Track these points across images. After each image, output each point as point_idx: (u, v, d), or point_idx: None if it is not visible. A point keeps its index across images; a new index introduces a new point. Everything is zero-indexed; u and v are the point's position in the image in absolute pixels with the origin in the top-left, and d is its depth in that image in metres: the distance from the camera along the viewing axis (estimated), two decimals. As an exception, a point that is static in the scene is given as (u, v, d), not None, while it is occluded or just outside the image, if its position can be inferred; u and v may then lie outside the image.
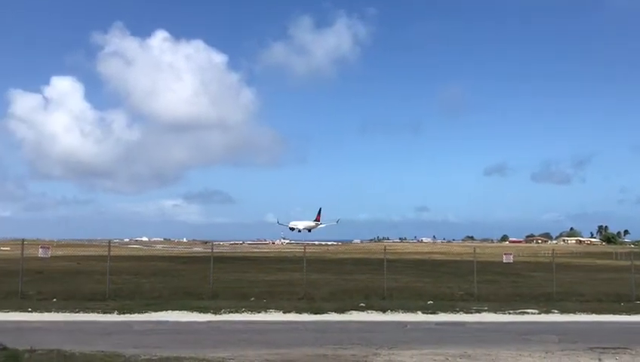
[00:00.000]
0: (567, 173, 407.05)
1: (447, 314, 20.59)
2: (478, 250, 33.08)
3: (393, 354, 12.67)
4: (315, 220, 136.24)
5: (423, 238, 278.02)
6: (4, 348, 9.67)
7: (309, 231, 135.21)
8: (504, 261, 30.63)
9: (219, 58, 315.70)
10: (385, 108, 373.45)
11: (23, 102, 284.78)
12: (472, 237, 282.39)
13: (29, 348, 10.11)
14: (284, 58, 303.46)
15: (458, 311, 21.09)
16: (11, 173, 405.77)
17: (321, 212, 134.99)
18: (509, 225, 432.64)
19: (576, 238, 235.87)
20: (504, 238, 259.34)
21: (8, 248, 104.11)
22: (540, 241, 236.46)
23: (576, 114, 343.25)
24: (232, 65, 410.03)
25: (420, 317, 19.95)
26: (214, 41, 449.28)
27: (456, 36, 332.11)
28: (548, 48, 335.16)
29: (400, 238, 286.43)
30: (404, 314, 20.47)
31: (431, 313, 20.63)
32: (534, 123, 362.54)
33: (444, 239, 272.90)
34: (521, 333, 16.58)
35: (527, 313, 21.17)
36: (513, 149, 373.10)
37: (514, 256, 33.55)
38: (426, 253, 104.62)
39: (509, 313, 21.06)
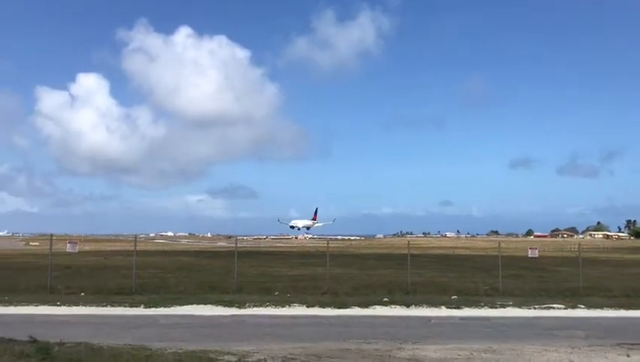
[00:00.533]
0: (595, 166, 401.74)
1: (471, 309, 20.46)
2: (502, 245, 32.77)
3: (417, 348, 12.64)
4: (312, 219, 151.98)
5: (447, 233, 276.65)
6: (35, 341, 9.89)
7: (308, 228, 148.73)
8: (529, 255, 30.30)
9: (242, 53, 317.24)
10: (408, 101, 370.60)
11: (50, 100, 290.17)
12: (496, 232, 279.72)
13: (58, 341, 10.30)
14: (308, 52, 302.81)
15: (483, 306, 20.95)
16: (39, 170, 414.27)
17: (317, 212, 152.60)
18: (534, 219, 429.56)
19: (603, 233, 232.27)
20: (529, 233, 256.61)
21: (37, 243, 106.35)
22: (565, 236, 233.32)
23: (605, 105, 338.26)
24: (256, 60, 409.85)
25: (444, 311, 19.86)
26: (237, 37, 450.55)
27: (480, 27, 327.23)
28: (574, 38, 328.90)
29: (423, 233, 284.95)
30: (428, 308, 20.39)
31: (455, 308, 20.53)
32: (561, 115, 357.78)
33: (468, 234, 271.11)
34: (547, 328, 16.42)
35: (553, 308, 20.93)
36: (539, 142, 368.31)
37: (539, 251, 33.20)
38: (450, 247, 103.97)
39: (535, 308, 20.85)
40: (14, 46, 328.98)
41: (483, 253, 70.53)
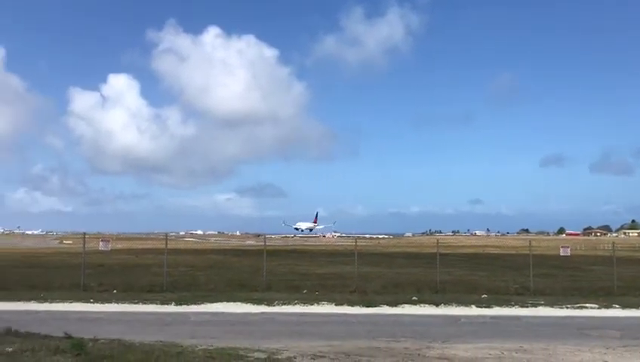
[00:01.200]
0: (628, 163, 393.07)
1: (502, 307, 20.23)
2: (533, 243, 32.29)
3: (447, 347, 12.55)
4: (313, 222, 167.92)
5: (477, 231, 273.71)
6: (70, 337, 10.09)
7: (310, 230, 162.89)
8: (561, 254, 29.81)
9: (270, 52, 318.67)
10: (437, 98, 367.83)
11: (82, 100, 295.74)
12: (527, 230, 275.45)
13: (92, 337, 10.50)
14: (336, 50, 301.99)
15: (513, 305, 20.69)
16: (72, 170, 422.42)
17: (318, 216, 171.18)
18: (566, 217, 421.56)
19: (638, 231, 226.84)
20: (561, 231, 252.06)
21: (71, 241, 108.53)
22: (598, 234, 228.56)
23: (638, 101, 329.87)
24: (283, 59, 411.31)
25: (474, 310, 19.67)
26: (265, 36, 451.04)
27: (510, 23, 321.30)
28: (607, 34, 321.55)
29: (453, 231, 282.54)
30: (458, 307, 20.22)
31: (485, 307, 20.31)
32: (593, 111, 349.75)
33: (498, 232, 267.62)
34: (580, 328, 16.14)
35: (586, 307, 20.56)
36: (571, 139, 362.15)
37: (571, 250, 32.62)
38: (480, 246, 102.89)
39: (567, 307, 20.50)
40: (48, 48, 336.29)
41: (513, 252, 69.60)
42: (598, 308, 20.44)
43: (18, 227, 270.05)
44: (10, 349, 8.97)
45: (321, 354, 10.98)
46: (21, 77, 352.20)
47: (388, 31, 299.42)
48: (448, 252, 61.97)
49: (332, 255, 59.43)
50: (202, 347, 10.83)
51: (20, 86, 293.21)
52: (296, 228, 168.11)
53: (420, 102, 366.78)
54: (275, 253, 53.01)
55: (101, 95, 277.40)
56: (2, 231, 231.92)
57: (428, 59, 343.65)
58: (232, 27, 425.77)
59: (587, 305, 21.02)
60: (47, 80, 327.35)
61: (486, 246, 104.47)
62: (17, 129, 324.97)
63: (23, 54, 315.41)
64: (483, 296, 22.59)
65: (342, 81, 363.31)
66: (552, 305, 20.95)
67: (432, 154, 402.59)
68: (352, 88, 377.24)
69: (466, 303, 20.87)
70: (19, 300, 20.47)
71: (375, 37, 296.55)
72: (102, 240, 28.50)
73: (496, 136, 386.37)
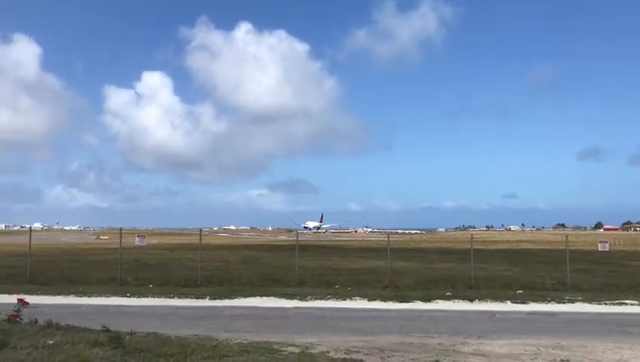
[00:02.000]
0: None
1: (538, 303, 19.91)
2: (570, 238, 31.67)
3: (482, 343, 12.40)
4: (319, 222, 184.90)
5: (511, 226, 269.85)
6: (108, 330, 10.28)
7: (318, 229, 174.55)
8: (599, 249, 29.22)
9: (301, 47, 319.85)
10: (472, 91, 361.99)
11: (117, 98, 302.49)
12: (563, 225, 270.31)
13: (129, 330, 10.68)
14: (368, 44, 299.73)
15: (550, 301, 20.35)
16: (108, 166, 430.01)
17: (323, 217, 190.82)
18: (604, 212, 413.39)
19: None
20: (598, 226, 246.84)
21: (107, 237, 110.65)
22: (638, 229, 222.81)
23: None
24: (315, 53, 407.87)
25: (509, 306, 19.41)
26: (296, 31, 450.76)
27: (547, 13, 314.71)
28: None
29: (487, 226, 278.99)
30: (493, 303, 19.98)
31: (521, 302, 20.02)
32: (632, 103, 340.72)
33: (533, 227, 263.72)
34: (619, 325, 15.77)
35: (626, 304, 20.08)
36: (609, 132, 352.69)
37: (610, 244, 31.89)
38: (515, 241, 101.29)
39: (605, 303, 20.05)
40: (83, 48, 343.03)
41: (549, 247, 68.35)
42: (639, 305, 19.94)
43: (57, 223, 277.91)
44: (51, 341, 9.20)
45: (354, 349, 10.96)
46: (58, 76, 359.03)
47: (421, 23, 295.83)
48: (482, 247, 61.21)
49: (364, 250, 59.33)
50: (237, 341, 10.93)
51: (57, 85, 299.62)
52: (305, 227, 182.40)
53: (453, 94, 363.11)
54: (306, 248, 53.19)
55: (135, 93, 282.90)
56: (42, 226, 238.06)
57: (462, 51, 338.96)
58: (263, 23, 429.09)
59: (627, 301, 20.52)
60: (83, 79, 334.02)
61: (521, 241, 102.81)
62: (55, 127, 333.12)
63: (59, 54, 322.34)
64: (518, 292, 22.26)
65: (374, 74, 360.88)
66: (589, 301, 20.53)
67: (465, 148, 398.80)
68: (385, 82, 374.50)
69: (501, 299, 20.60)
70: (59, 294, 21.01)
71: (408, 29, 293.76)
72: (138, 236, 29.02)
73: (532, 129, 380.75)
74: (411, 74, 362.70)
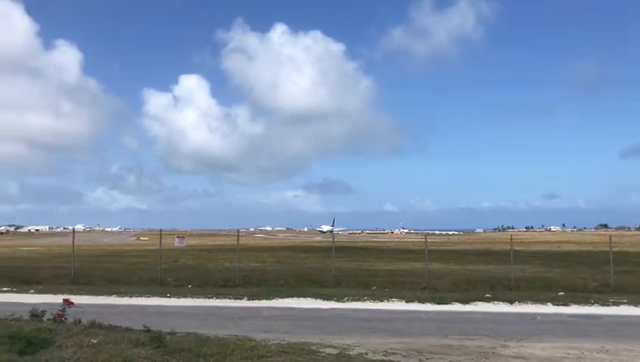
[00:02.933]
0: None
1: (580, 306, 19.44)
2: (614, 239, 30.83)
3: (523, 346, 12.19)
4: (332, 226, 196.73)
5: (551, 227, 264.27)
6: (149, 330, 10.46)
7: (331, 232, 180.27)
8: (645, 250, 28.31)
9: (337, 47, 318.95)
10: (512, 89, 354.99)
11: (155, 101, 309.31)
12: (605, 226, 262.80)
13: (169, 330, 10.84)
14: (404, 42, 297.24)
15: (593, 303, 19.84)
16: (147, 169, 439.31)
17: (335, 222, 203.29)
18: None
19: None
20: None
21: (147, 238, 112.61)
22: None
23: None
24: (350, 53, 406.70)
25: (550, 308, 19.00)
26: (332, 31, 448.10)
27: (590, 6, 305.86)
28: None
29: (526, 227, 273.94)
30: (533, 305, 19.60)
31: (562, 305, 19.58)
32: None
33: (574, 228, 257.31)
34: (667, 329, 15.27)
35: (674, 307, 19.43)
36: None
37: (656, 246, 30.93)
38: (555, 242, 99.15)
39: (652, 306, 19.45)
40: (122, 52, 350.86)
41: (592, 248, 66.67)
42: (687, 308, 19.28)
43: (98, 224, 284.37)
44: (94, 341, 9.41)
45: (392, 351, 10.91)
46: (98, 80, 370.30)
47: (459, 20, 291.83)
48: (522, 248, 60.11)
49: (400, 251, 58.93)
50: (275, 341, 10.99)
51: (97, 89, 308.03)
52: (320, 230, 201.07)
53: (493, 92, 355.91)
54: (342, 249, 53.11)
55: (173, 96, 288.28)
56: (84, 228, 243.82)
57: (501, 47, 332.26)
58: (299, 24, 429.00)
59: (674, 304, 19.86)
60: (122, 82, 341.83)
61: (561, 242, 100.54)
62: (96, 130, 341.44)
63: (99, 59, 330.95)
64: (560, 294, 21.78)
65: (411, 73, 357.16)
66: (635, 303, 19.93)
67: (504, 147, 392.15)
68: (422, 81, 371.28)
69: (542, 301, 20.19)
70: (101, 294, 21.47)
71: (445, 27, 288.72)
72: (177, 237, 29.50)
73: (573, 127, 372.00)
74: (449, 72, 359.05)
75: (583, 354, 11.48)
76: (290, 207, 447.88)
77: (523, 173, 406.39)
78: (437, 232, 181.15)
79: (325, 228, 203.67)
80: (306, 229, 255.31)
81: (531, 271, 31.60)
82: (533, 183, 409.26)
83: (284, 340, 11.32)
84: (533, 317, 17.32)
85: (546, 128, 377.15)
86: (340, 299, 20.45)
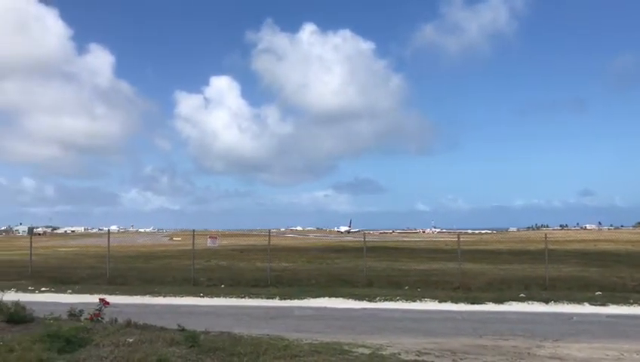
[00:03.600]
0: None
1: (618, 306, 19.00)
2: (653, 237, 30.05)
3: (559, 346, 11.97)
4: (349, 226, 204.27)
5: (587, 225, 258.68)
6: (183, 329, 10.58)
7: (348, 232, 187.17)
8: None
9: (366, 46, 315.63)
10: (546, 85, 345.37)
11: (187, 103, 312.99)
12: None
13: (203, 329, 10.96)
14: (435, 39, 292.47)
15: (632, 303, 19.36)
16: (179, 170, 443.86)
17: (351, 222, 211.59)
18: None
19: None
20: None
21: (180, 238, 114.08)
22: None
23: None
24: (380, 51, 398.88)
25: (587, 308, 18.63)
26: (361, 29, 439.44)
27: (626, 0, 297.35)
28: None
29: (561, 226, 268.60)
30: (569, 305, 19.24)
31: (600, 305, 19.16)
32: None
33: (611, 226, 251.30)
34: None
35: None
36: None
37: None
38: (592, 240, 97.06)
39: (695, 306, 18.88)
40: (153, 54, 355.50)
41: (630, 247, 65.10)
42: None
43: (132, 225, 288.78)
44: (130, 340, 9.57)
45: (425, 351, 10.83)
46: (130, 83, 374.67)
47: (491, 15, 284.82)
48: (556, 247, 59.01)
49: (432, 251, 58.41)
50: (307, 341, 11.01)
51: (129, 91, 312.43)
52: (338, 231, 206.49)
53: (526, 88, 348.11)
54: (373, 249, 52.90)
55: (204, 97, 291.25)
56: (118, 229, 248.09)
57: (535, 42, 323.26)
58: (328, 23, 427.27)
59: None
60: (154, 85, 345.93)
61: (598, 240, 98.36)
62: (129, 132, 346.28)
63: (131, 61, 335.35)
64: (597, 293, 21.32)
65: (442, 70, 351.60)
66: (677, 303, 19.40)
67: (538, 144, 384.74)
68: (453, 78, 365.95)
69: (579, 301, 19.80)
70: (136, 294, 21.83)
71: (477, 22, 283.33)
72: (210, 237, 29.76)
73: (609, 122, 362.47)
74: (481, 69, 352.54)
75: (622, 355, 11.22)
76: (320, 207, 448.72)
77: (557, 170, 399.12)
78: (469, 231, 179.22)
79: (343, 228, 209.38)
80: (336, 229, 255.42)
81: (567, 270, 30.99)
82: (568, 180, 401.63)
83: (316, 340, 11.33)
84: (569, 317, 17.00)
85: (580, 124, 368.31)
86: (371, 299, 20.39)
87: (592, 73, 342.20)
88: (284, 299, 20.72)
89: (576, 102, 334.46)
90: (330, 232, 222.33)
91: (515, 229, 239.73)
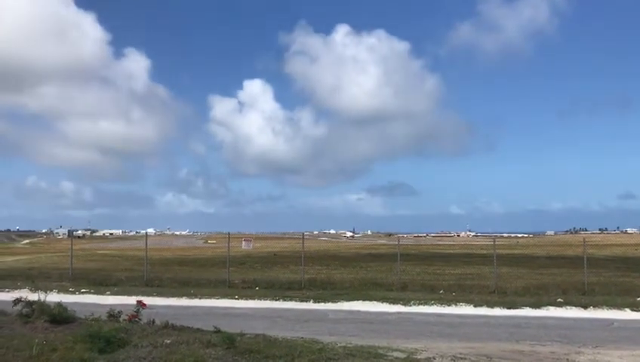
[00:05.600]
0: None
1: (661, 312, 18.47)
2: (697, 242, 29.12)
3: (599, 353, 11.70)
4: (352, 232, 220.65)
5: (628, 229, 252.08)
6: (219, 331, 10.71)
7: (352, 237, 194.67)
8: None
9: (401, 46, 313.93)
10: (587, 85, 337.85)
11: (221, 107, 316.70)
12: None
13: (239, 332, 11.07)
14: (472, 38, 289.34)
15: (675, 310, 18.81)
16: (214, 173, 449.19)
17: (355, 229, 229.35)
18: None
19: None
20: None
21: (214, 241, 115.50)
22: None
23: None
24: (415, 51, 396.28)
25: (628, 314, 18.16)
26: (396, 29, 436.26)
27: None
28: None
29: (600, 229, 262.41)
30: (609, 310, 18.79)
31: (642, 311, 18.66)
32: None
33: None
34: None
35: None
36: None
37: None
38: (633, 245, 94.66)
39: None
40: (188, 59, 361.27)
41: (673, 251, 63.24)
42: None
43: (168, 228, 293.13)
44: (168, 341, 9.74)
45: (461, 356, 10.72)
46: (166, 87, 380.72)
47: (530, 12, 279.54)
48: (596, 251, 57.71)
49: (467, 255, 57.79)
50: (342, 344, 11.02)
51: (165, 95, 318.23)
52: (345, 235, 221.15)
53: (567, 88, 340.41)
54: (408, 253, 52.59)
55: (238, 101, 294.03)
56: (154, 232, 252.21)
57: (577, 40, 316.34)
58: (362, 23, 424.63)
59: None
60: (189, 88, 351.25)
61: (639, 245, 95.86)
62: (165, 136, 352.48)
63: (166, 65, 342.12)
64: (638, 299, 20.77)
65: (478, 70, 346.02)
66: None
67: (577, 146, 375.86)
68: (490, 77, 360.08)
69: (619, 306, 19.32)
70: (173, 296, 22.16)
71: (516, 20, 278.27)
72: (244, 240, 30.02)
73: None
74: (519, 68, 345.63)
75: (665, 362, 10.92)
76: (353, 210, 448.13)
77: (596, 173, 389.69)
78: (505, 235, 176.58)
79: (349, 233, 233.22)
80: (369, 232, 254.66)
81: (607, 275, 30.31)
82: (608, 183, 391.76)
83: (350, 343, 11.32)
84: (609, 323, 16.61)
85: (622, 124, 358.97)
86: (406, 303, 20.28)
87: (634, 71, 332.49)
88: (318, 302, 20.77)
89: (618, 102, 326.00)
90: (364, 235, 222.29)
91: (552, 233, 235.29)
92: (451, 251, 73.05)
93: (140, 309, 11.88)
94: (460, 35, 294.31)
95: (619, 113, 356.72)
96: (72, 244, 31.84)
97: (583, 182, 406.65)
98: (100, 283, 25.88)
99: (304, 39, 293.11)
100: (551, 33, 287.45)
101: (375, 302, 20.54)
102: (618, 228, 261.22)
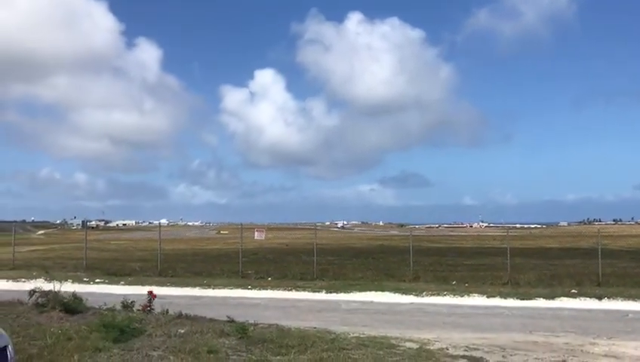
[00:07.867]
0: None
1: (677, 303, 18.29)
2: None
3: (614, 344, 11.62)
4: (343, 222, 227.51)
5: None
6: (232, 321, 10.79)
7: (342, 228, 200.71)
8: None
9: (415, 34, 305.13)
10: (606, 73, 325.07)
11: (233, 97, 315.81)
12: None
13: (252, 321, 11.14)
14: (488, 24, 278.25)
15: (691, 301, 18.62)
16: (226, 164, 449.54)
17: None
18: None
19: None
20: None
21: (227, 231, 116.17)
22: None
23: None
24: (430, 39, 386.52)
25: (643, 306, 18.00)
26: (410, 16, 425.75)
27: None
28: None
29: (614, 220, 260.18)
30: (624, 302, 18.62)
31: (657, 302, 18.49)
32: None
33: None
34: None
35: None
36: None
37: None
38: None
39: None
40: (199, 49, 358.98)
41: (688, 242, 62.65)
42: None
43: (181, 219, 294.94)
44: (182, 331, 9.83)
45: (474, 346, 10.70)
46: (178, 77, 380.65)
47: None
48: (610, 242, 57.28)
49: (480, 245, 57.61)
50: (354, 334, 11.05)
51: (177, 86, 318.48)
52: (336, 225, 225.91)
53: (584, 76, 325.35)
54: (420, 244, 52.52)
55: (249, 91, 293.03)
56: (167, 222, 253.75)
57: (596, 26, 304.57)
58: (375, 11, 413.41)
59: None
60: (201, 79, 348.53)
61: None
62: (177, 127, 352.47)
63: (178, 55, 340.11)
64: (654, 290, 20.59)
65: (494, 58, 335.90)
66: None
67: (594, 135, 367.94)
68: (506, 66, 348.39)
69: (634, 297, 19.13)
70: (186, 286, 22.29)
71: (535, 5, 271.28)
72: (257, 230, 30.07)
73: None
74: (536, 56, 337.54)
75: (682, 354, 10.81)
76: (365, 201, 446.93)
77: (611, 163, 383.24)
78: (518, 226, 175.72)
79: (340, 223, 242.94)
80: (381, 223, 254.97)
81: (621, 266, 30.07)
82: (623, 173, 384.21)
83: (363, 333, 11.35)
84: (624, 314, 16.48)
85: (638, 113, 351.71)
86: (418, 294, 20.25)
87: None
88: (331, 292, 20.80)
89: (638, 91, 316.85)
90: (376, 226, 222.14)
91: (565, 224, 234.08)
92: (464, 242, 72.86)
93: (152, 300, 12.00)
94: (476, 22, 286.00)
95: (636, 102, 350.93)
96: (86, 235, 32.16)
97: (597, 172, 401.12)
98: (114, 273, 26.11)
99: (316, 28, 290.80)
100: (569, 19, 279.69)
101: (387, 293, 20.53)
102: (633, 218, 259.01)
